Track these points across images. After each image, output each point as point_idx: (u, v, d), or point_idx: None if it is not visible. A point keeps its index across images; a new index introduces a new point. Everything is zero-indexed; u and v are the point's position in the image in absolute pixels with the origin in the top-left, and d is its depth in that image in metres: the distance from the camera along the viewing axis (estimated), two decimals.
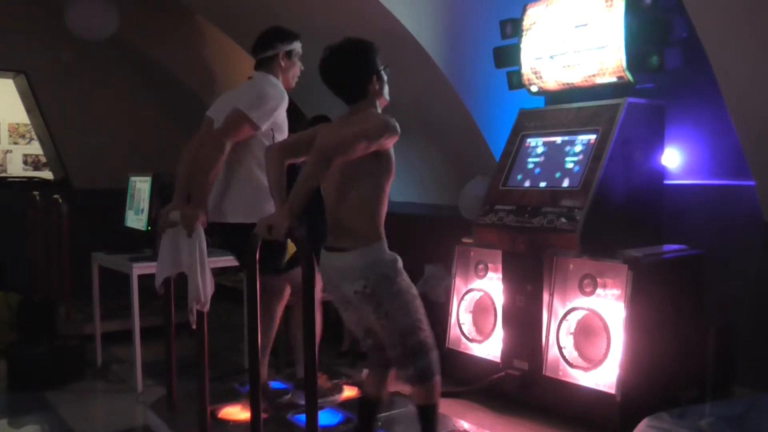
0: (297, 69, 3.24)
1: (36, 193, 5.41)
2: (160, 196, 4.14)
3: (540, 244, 3.49)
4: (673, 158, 3.81)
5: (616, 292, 3.24)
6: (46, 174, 7.74)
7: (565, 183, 3.56)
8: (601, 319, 3.26)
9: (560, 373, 3.40)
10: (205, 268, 2.83)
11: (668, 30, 3.38)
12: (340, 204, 2.46)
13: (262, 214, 2.91)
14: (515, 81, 4.09)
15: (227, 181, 3.08)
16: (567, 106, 3.82)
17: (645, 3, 3.42)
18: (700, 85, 3.56)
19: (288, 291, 3.36)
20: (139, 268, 3.93)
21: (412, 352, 2.47)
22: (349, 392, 3.43)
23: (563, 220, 3.41)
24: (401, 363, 2.51)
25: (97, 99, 6.77)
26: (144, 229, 4.30)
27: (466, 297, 3.95)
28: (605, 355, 3.22)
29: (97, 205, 5.75)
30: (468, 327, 3.95)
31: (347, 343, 4.47)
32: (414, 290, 2.51)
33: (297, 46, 3.21)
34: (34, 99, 6.58)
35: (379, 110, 2.55)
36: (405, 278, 2.47)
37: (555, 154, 3.72)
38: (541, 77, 3.90)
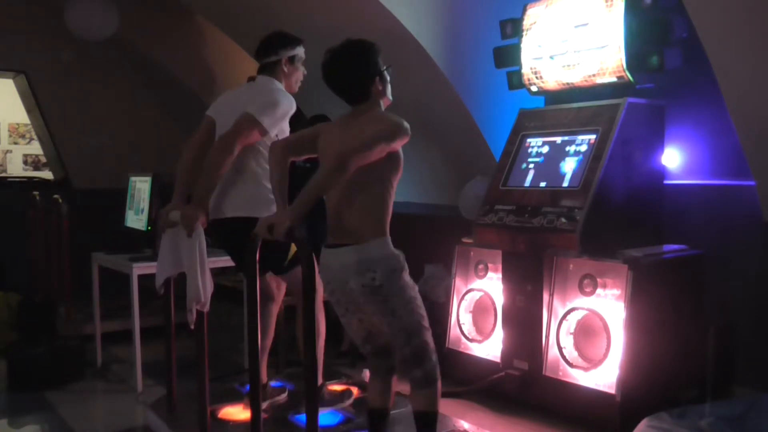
0: (300, 74, 3.25)
1: (36, 193, 5.41)
2: (160, 196, 4.14)
3: (540, 244, 3.49)
4: (673, 158, 3.81)
5: (616, 292, 3.24)
6: (46, 174, 7.74)
7: (565, 183, 3.56)
8: (601, 319, 3.26)
9: (560, 373, 3.40)
10: (204, 268, 2.83)
11: (668, 30, 3.38)
12: (348, 206, 2.45)
13: (260, 210, 2.91)
14: (515, 81, 4.09)
15: (231, 182, 3.09)
16: (567, 106, 3.82)
17: (645, 3, 3.42)
18: (700, 85, 3.56)
19: (282, 294, 3.37)
20: (139, 268, 3.93)
21: (419, 354, 2.46)
22: (339, 388, 3.42)
23: (563, 220, 3.41)
24: (407, 365, 2.48)
25: (97, 99, 6.78)
26: (144, 229, 4.30)
27: (466, 297, 3.95)
28: (605, 355, 3.22)
29: (97, 205, 5.75)
30: (468, 327, 3.95)
31: (347, 343, 4.47)
32: (417, 289, 2.51)
33: (300, 51, 3.21)
34: (34, 99, 6.58)
35: (382, 110, 2.55)
36: (408, 275, 2.47)
37: (555, 154, 3.72)
38: (541, 77, 3.90)
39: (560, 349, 3.39)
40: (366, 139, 2.34)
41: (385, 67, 2.52)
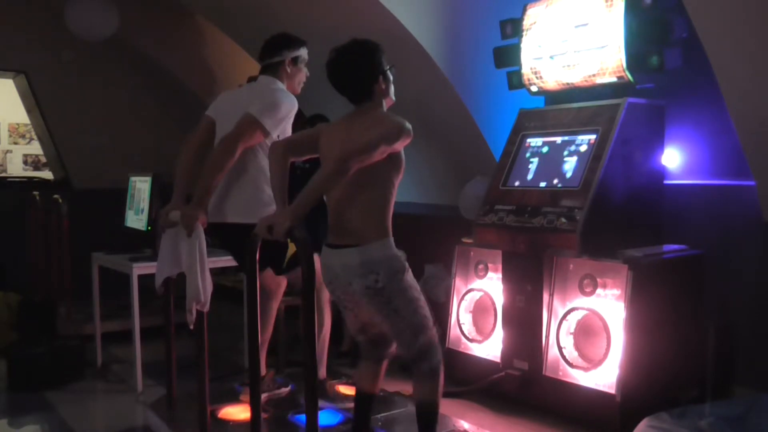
0: (303, 75, 3.25)
1: (36, 193, 5.41)
2: (160, 196, 4.14)
3: (540, 244, 3.49)
4: (673, 158, 3.81)
5: (616, 292, 3.24)
6: (46, 174, 7.74)
7: (565, 183, 3.56)
8: (601, 319, 3.26)
9: (560, 373, 3.40)
10: (204, 268, 2.83)
11: (668, 30, 3.38)
12: (349, 206, 2.46)
13: (261, 215, 2.91)
14: (515, 81, 4.09)
15: (230, 183, 3.09)
16: (567, 106, 3.82)
17: (645, 3, 3.42)
18: (700, 85, 3.57)
19: (281, 291, 3.37)
20: (139, 268, 3.93)
21: (425, 350, 2.53)
22: (349, 392, 3.43)
23: (563, 220, 3.41)
24: (414, 361, 2.55)
25: (97, 99, 6.78)
26: (144, 229, 4.29)
27: (466, 297, 3.95)
28: (605, 355, 3.22)
29: (97, 205, 5.75)
30: (468, 327, 3.95)
31: (347, 343, 4.47)
32: (419, 288, 2.55)
33: (303, 53, 3.21)
34: (34, 99, 6.58)
35: (385, 110, 2.56)
36: (410, 274, 2.51)
37: (555, 154, 3.72)
38: (541, 77, 3.90)
39: (560, 349, 3.39)
40: (367, 141, 2.35)
41: (388, 67, 2.54)
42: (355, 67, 2.48)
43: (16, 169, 8.64)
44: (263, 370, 3.30)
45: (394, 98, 2.60)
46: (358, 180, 2.40)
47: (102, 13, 5.44)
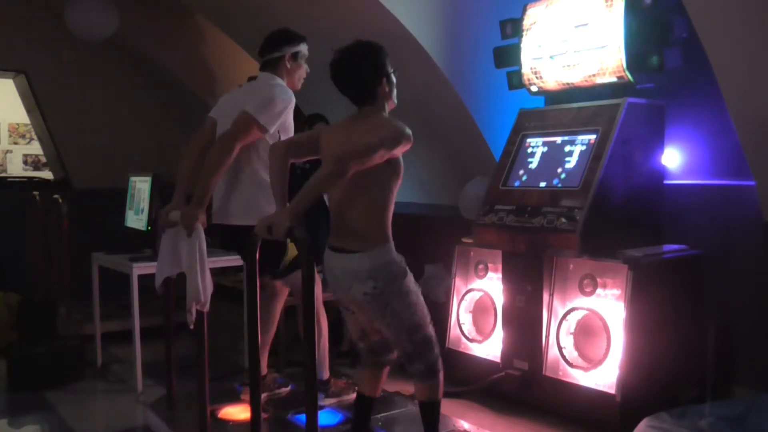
0: (303, 71, 3.24)
1: (36, 193, 5.41)
2: (160, 196, 4.14)
3: (540, 244, 3.49)
4: (673, 158, 3.81)
5: (616, 292, 3.24)
6: (46, 174, 7.74)
7: (565, 183, 3.56)
8: (601, 319, 3.26)
9: (560, 373, 3.40)
10: (204, 268, 2.83)
11: (668, 30, 3.38)
12: (348, 208, 2.47)
13: (263, 216, 2.91)
14: (515, 81, 4.09)
15: (232, 182, 3.09)
16: (567, 106, 3.81)
17: (645, 3, 3.42)
18: (700, 85, 3.56)
19: (285, 290, 3.37)
20: (139, 268, 3.93)
21: (419, 348, 2.53)
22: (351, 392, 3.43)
23: (563, 220, 3.41)
24: (409, 359, 2.56)
25: (97, 99, 6.78)
26: (144, 229, 4.29)
27: (466, 297, 3.95)
28: (605, 355, 3.22)
29: (97, 205, 5.75)
30: (468, 327, 3.95)
31: (347, 343, 4.47)
32: (418, 288, 2.55)
33: (303, 48, 3.21)
34: (34, 99, 6.58)
35: (387, 113, 2.56)
36: (411, 278, 2.52)
37: (555, 154, 3.72)
38: (541, 77, 3.90)
39: (560, 349, 3.39)
40: (367, 143, 2.35)
41: (392, 70, 2.54)
42: (359, 68, 2.48)
43: (16, 169, 8.64)
44: (264, 370, 3.31)
45: (396, 102, 2.59)
46: (358, 184, 2.41)
47: (102, 13, 5.44)
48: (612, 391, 3.17)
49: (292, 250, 3.03)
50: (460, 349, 3.95)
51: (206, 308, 2.86)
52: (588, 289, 3.34)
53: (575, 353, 3.36)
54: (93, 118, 6.75)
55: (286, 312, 4.03)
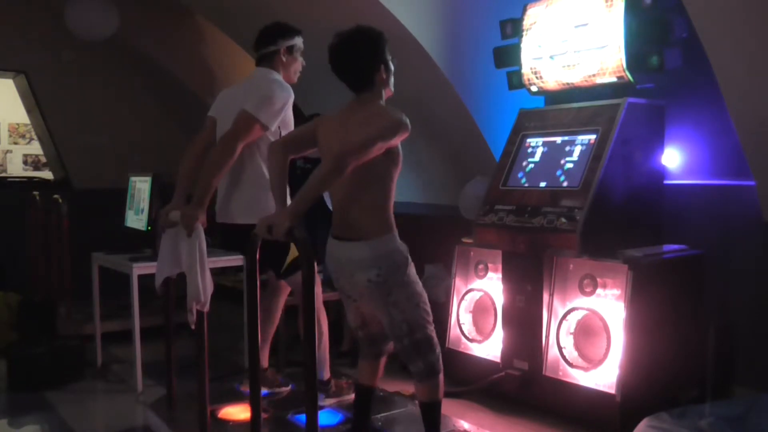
0: (299, 64, 3.24)
1: (36, 193, 5.41)
2: (160, 196, 4.14)
3: (540, 244, 3.49)
4: (673, 158, 3.81)
5: (616, 292, 3.24)
6: (46, 174, 7.74)
7: (565, 183, 3.56)
8: (601, 319, 3.26)
9: (560, 373, 3.40)
10: (204, 268, 2.83)
11: (668, 30, 3.38)
12: (350, 201, 2.48)
13: (265, 214, 2.91)
14: (515, 81, 4.09)
15: (234, 181, 3.09)
16: (567, 106, 3.81)
17: (645, 3, 3.42)
18: (700, 85, 3.56)
19: (287, 288, 3.37)
20: (139, 268, 3.92)
21: (421, 347, 2.53)
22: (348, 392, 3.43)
23: (563, 220, 3.41)
24: (409, 357, 2.56)
25: (97, 99, 6.78)
26: (144, 229, 4.29)
27: (466, 297, 3.95)
28: (605, 355, 3.22)
29: (97, 205, 5.74)
30: (468, 327, 3.95)
31: (347, 343, 4.47)
32: (420, 282, 2.57)
33: (298, 42, 3.21)
34: (34, 99, 6.58)
35: (383, 101, 2.56)
36: (413, 269, 2.54)
37: (555, 154, 3.72)
38: (541, 77, 3.90)
39: (560, 349, 3.39)
40: (364, 138, 2.35)
41: (390, 58, 2.54)
42: (358, 53, 2.48)
43: (16, 169, 8.64)
44: (265, 364, 3.31)
45: (393, 90, 2.60)
46: (358, 177, 2.41)
47: (102, 13, 5.44)
48: (612, 391, 3.17)
49: (294, 251, 3.03)
50: (460, 349, 3.95)
51: (206, 308, 2.86)
52: (588, 289, 3.34)
53: (575, 353, 3.36)
54: (93, 118, 6.75)
55: (286, 312, 4.03)
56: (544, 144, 3.81)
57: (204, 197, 2.95)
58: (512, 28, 4.02)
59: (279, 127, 3.05)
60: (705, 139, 3.72)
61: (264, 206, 2.99)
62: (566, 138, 3.71)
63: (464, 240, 4.00)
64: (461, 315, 3.96)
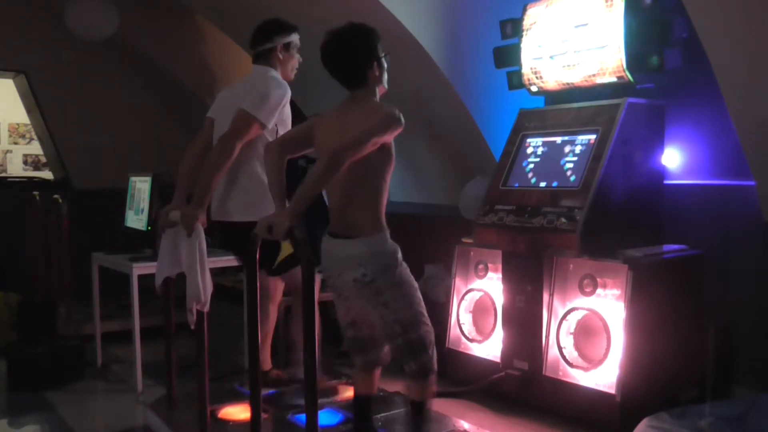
0: (296, 61, 3.24)
1: (36, 193, 5.40)
2: (160, 196, 4.14)
3: (540, 244, 3.49)
4: (673, 158, 3.81)
5: (616, 292, 3.24)
6: (46, 174, 7.74)
7: (565, 183, 3.56)
8: (601, 319, 3.26)
9: (560, 373, 3.40)
10: (204, 268, 2.83)
11: (668, 30, 3.38)
12: (346, 198, 2.48)
13: (266, 212, 2.91)
14: (515, 81, 4.09)
15: (231, 180, 3.09)
16: (567, 106, 3.81)
17: (645, 3, 3.42)
18: (700, 85, 3.56)
19: (280, 292, 3.37)
20: (139, 268, 3.93)
21: (413, 347, 2.52)
22: (349, 392, 3.43)
23: (563, 220, 3.41)
24: (402, 356, 2.55)
25: (97, 99, 6.77)
26: (144, 229, 4.29)
27: (466, 297, 3.95)
28: (605, 355, 3.22)
29: (97, 205, 5.75)
30: (468, 327, 3.95)
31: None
32: (414, 283, 2.55)
33: (295, 38, 3.21)
34: (34, 99, 6.58)
35: (378, 98, 2.55)
36: (405, 270, 2.51)
37: (555, 154, 3.72)
38: (541, 77, 3.90)
39: (560, 349, 3.39)
40: (359, 134, 2.35)
41: (383, 54, 2.53)
42: (350, 50, 2.47)
43: (16, 169, 8.64)
44: (268, 365, 3.31)
45: (386, 87, 2.59)
46: (353, 175, 2.41)
47: (102, 13, 5.44)
48: (612, 391, 3.17)
49: (286, 248, 3.03)
50: (460, 349, 3.95)
51: (206, 308, 2.86)
52: (588, 289, 3.34)
53: (575, 353, 3.36)
54: (93, 118, 6.74)
55: (286, 312, 4.04)
56: (544, 144, 3.81)
57: (204, 197, 2.95)
58: (512, 28, 4.02)
59: (276, 125, 3.05)
60: (705, 139, 3.72)
61: (260, 204, 3.00)
62: (566, 138, 3.71)
63: (464, 240, 3.99)
64: (461, 315, 3.96)
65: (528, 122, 3.95)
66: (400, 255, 2.50)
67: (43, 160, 8.00)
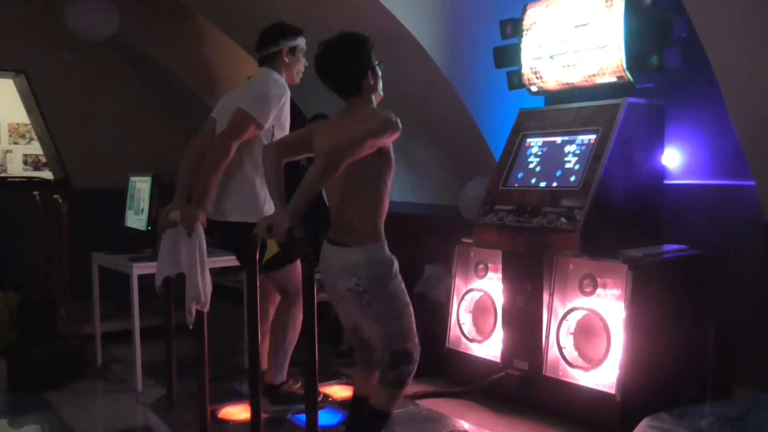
0: (301, 65, 3.24)
1: (36, 193, 5.41)
2: (160, 196, 4.14)
3: (540, 244, 3.49)
4: (673, 158, 3.81)
5: (616, 292, 3.24)
6: (46, 174, 7.74)
7: (565, 183, 3.56)
8: (601, 319, 3.26)
9: (560, 373, 3.40)
10: (204, 268, 2.83)
11: (668, 30, 3.38)
12: (345, 204, 2.48)
13: (262, 213, 2.92)
14: (515, 81, 4.09)
15: (227, 180, 3.09)
16: (567, 106, 3.81)
17: (645, 3, 3.42)
18: (700, 85, 3.56)
19: (275, 294, 3.37)
20: (139, 268, 3.93)
21: (396, 360, 2.51)
22: (347, 392, 3.43)
23: (563, 220, 3.41)
24: (384, 365, 2.55)
25: (97, 99, 6.77)
26: (144, 229, 4.30)
27: (466, 297, 3.95)
28: (605, 355, 3.22)
29: (97, 205, 5.75)
30: (468, 327, 3.95)
31: (347, 344, 4.47)
32: (406, 298, 2.53)
33: (301, 42, 3.21)
34: (34, 99, 6.58)
35: (374, 105, 2.56)
36: (399, 283, 2.50)
37: (555, 154, 3.72)
38: (541, 77, 3.90)
39: (560, 349, 3.39)
40: (355, 136, 2.35)
41: (377, 62, 2.53)
42: (344, 61, 2.48)
43: (16, 169, 8.64)
44: (265, 365, 3.30)
45: (382, 94, 2.59)
46: (351, 179, 2.42)
47: (102, 13, 5.44)
48: (612, 391, 3.17)
49: (272, 246, 3.02)
50: (460, 349, 3.95)
51: (206, 308, 2.86)
52: (588, 289, 3.34)
53: (575, 353, 3.36)
54: (93, 118, 6.74)
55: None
56: (544, 144, 3.81)
57: (203, 197, 2.95)
58: (512, 28, 4.02)
59: (273, 128, 3.06)
60: (705, 139, 3.72)
61: (256, 205, 3.00)
62: (566, 138, 3.71)
63: (464, 240, 3.99)
64: (461, 315, 3.96)
65: (528, 122, 3.95)
66: (396, 267, 2.49)
67: (43, 160, 8.00)
